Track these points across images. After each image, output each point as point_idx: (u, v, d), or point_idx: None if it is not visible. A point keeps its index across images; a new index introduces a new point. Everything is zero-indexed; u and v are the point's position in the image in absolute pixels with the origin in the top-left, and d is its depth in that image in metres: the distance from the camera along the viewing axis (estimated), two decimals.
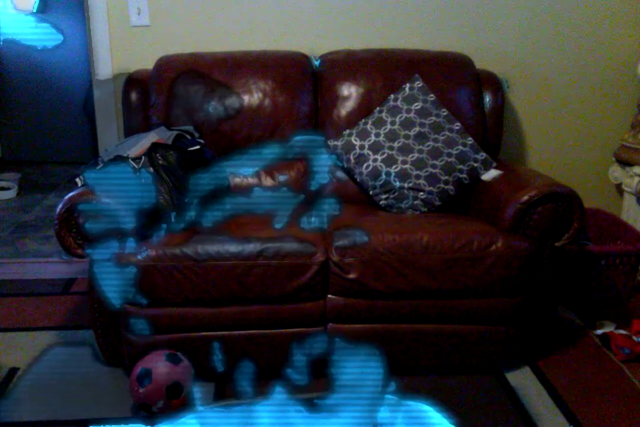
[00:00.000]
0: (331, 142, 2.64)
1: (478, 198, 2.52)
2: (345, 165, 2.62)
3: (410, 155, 2.51)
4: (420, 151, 2.52)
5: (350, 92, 2.69)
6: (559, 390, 2.19)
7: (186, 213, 2.27)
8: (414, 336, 2.22)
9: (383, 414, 1.58)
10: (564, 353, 2.43)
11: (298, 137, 2.62)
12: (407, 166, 2.50)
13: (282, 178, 2.65)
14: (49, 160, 5.28)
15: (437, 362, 2.27)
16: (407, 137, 2.54)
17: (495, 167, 2.56)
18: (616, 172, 3.11)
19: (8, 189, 4.40)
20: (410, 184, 2.48)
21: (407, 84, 2.64)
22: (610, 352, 2.42)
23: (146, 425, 1.95)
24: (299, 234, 2.19)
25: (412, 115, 2.58)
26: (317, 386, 2.15)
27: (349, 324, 2.21)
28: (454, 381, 2.24)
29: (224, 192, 2.54)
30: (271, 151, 2.63)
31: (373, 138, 2.56)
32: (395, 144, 2.54)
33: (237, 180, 2.64)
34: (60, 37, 4.98)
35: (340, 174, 2.67)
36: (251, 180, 2.65)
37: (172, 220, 2.21)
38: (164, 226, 2.18)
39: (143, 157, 2.25)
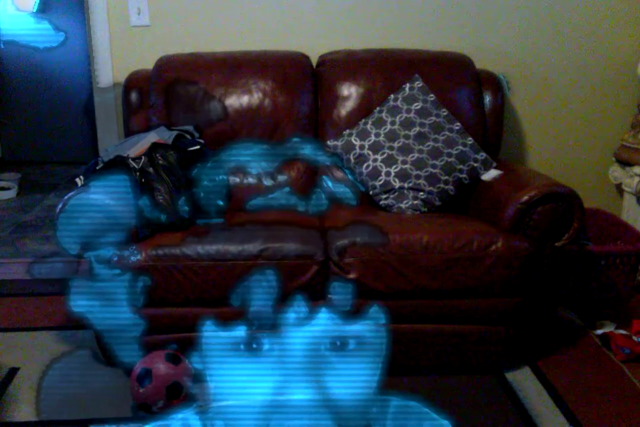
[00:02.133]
0: (331, 142, 2.64)
1: (478, 198, 2.51)
2: (345, 165, 2.62)
3: (410, 155, 2.51)
4: (420, 151, 2.51)
5: (350, 92, 2.69)
6: (559, 390, 2.19)
7: (186, 213, 2.27)
8: (414, 336, 2.22)
9: (374, 412, 1.59)
10: (564, 353, 2.43)
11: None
12: (407, 166, 2.50)
13: (282, 178, 2.65)
14: (49, 160, 5.27)
15: (437, 362, 2.27)
16: (407, 137, 2.54)
17: (495, 167, 2.56)
18: (616, 172, 3.11)
19: (8, 189, 4.40)
20: (410, 184, 2.48)
21: (407, 84, 2.64)
22: (610, 352, 2.42)
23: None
24: (299, 233, 2.19)
25: (412, 115, 2.57)
26: None
27: None
28: (454, 381, 2.24)
29: (223, 191, 2.54)
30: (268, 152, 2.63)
31: (373, 138, 2.56)
32: (395, 144, 2.53)
33: (237, 180, 2.63)
34: (62, 36, 4.98)
35: (340, 174, 2.67)
36: (251, 180, 2.64)
37: (172, 220, 2.20)
38: (164, 226, 2.18)
39: (143, 157, 2.25)
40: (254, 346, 1.75)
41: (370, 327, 1.73)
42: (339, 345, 1.80)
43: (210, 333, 1.72)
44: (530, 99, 3.10)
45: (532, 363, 2.35)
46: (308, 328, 1.78)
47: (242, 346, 1.77)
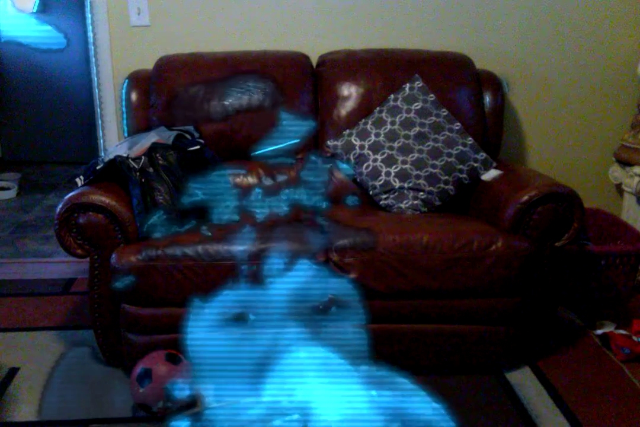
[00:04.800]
0: (331, 142, 2.64)
1: (478, 198, 2.51)
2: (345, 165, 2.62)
3: (410, 155, 2.51)
4: (420, 151, 2.52)
5: (350, 92, 2.69)
6: (559, 390, 2.19)
7: (186, 213, 2.27)
8: (414, 336, 2.22)
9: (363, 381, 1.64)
10: (564, 353, 2.43)
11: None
12: (407, 166, 2.50)
13: (281, 178, 2.65)
14: (49, 160, 5.28)
15: (437, 362, 2.27)
16: (407, 137, 2.54)
17: (495, 167, 2.56)
18: (616, 172, 3.11)
19: (8, 189, 4.40)
20: (410, 184, 2.48)
21: (407, 84, 2.64)
22: (610, 352, 2.42)
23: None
24: (299, 233, 2.19)
25: (412, 115, 2.58)
26: None
27: None
28: (454, 381, 2.24)
29: (224, 192, 2.54)
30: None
31: (373, 138, 2.56)
32: (395, 144, 2.54)
33: (237, 180, 2.63)
34: (63, 39, 4.98)
35: (340, 174, 2.67)
36: (251, 181, 2.64)
37: (173, 220, 2.20)
38: (165, 225, 2.18)
39: (143, 157, 2.25)
40: (242, 318, 1.80)
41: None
42: (322, 308, 1.87)
43: (198, 315, 1.77)
44: (530, 99, 3.10)
45: (532, 363, 2.35)
46: (289, 284, 1.84)
47: (230, 320, 1.82)
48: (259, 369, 1.60)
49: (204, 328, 1.86)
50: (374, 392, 1.52)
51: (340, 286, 1.98)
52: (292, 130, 2.62)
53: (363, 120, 2.63)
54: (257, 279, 1.94)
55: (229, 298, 1.84)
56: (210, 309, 1.86)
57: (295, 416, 1.49)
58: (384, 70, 2.71)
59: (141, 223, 2.16)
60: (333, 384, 1.54)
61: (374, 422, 1.45)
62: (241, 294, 1.90)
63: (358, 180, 2.60)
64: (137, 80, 2.73)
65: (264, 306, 1.87)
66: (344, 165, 2.51)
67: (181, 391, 1.97)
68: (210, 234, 2.15)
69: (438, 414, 1.54)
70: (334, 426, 1.43)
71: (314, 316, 1.91)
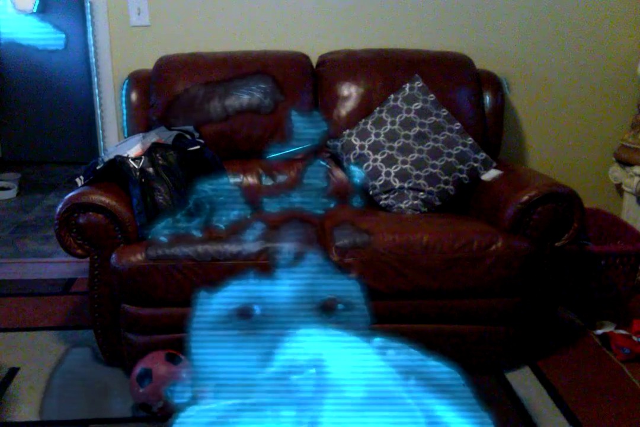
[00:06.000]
0: (331, 142, 2.64)
1: (478, 198, 2.51)
2: (345, 165, 2.62)
3: (410, 155, 2.51)
4: (420, 151, 2.52)
5: (350, 92, 2.69)
6: (559, 390, 2.19)
7: (186, 213, 2.27)
8: (414, 336, 2.22)
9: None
10: (564, 353, 2.43)
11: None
12: (407, 166, 2.50)
13: (281, 178, 2.65)
14: (49, 160, 5.28)
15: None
16: (407, 137, 2.54)
17: (495, 167, 2.56)
18: (616, 172, 3.11)
19: (8, 189, 4.40)
20: (410, 184, 2.48)
21: (407, 84, 2.64)
22: (610, 352, 2.42)
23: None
24: (299, 233, 2.19)
25: (412, 115, 2.57)
26: None
27: None
28: None
29: (224, 191, 2.54)
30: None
31: (373, 138, 2.56)
32: (395, 144, 2.54)
33: (237, 180, 2.63)
34: (63, 39, 4.98)
35: (340, 174, 2.67)
36: (251, 181, 2.64)
37: (173, 220, 2.20)
38: (165, 225, 2.18)
39: (143, 157, 2.25)
40: (247, 313, 1.82)
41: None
42: (329, 306, 1.90)
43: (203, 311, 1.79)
44: (530, 99, 3.10)
45: (532, 363, 2.35)
46: (291, 282, 1.88)
47: (235, 315, 1.84)
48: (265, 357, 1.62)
49: (207, 324, 1.87)
50: (391, 351, 1.54)
51: (343, 285, 2.00)
52: (306, 133, 2.63)
53: (363, 120, 2.63)
54: (260, 276, 1.94)
55: (231, 295, 1.85)
56: (214, 305, 1.86)
57: (313, 371, 1.49)
58: (384, 70, 2.71)
59: (141, 223, 2.15)
60: (349, 345, 1.57)
61: (390, 378, 1.47)
62: (244, 291, 1.91)
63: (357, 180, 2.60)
64: (137, 80, 2.73)
65: (269, 302, 1.88)
66: (356, 169, 2.51)
67: (181, 391, 1.97)
68: (223, 226, 2.16)
69: (452, 376, 1.58)
70: (351, 380, 1.45)
71: (319, 313, 1.91)
